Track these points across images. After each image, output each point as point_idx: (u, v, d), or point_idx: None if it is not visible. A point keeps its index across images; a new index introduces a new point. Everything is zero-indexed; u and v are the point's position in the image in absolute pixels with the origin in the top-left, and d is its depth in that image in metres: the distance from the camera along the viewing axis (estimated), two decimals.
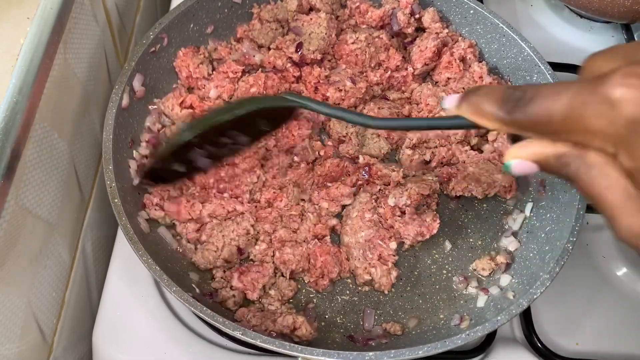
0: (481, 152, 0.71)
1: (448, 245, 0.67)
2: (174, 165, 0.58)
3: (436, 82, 0.75)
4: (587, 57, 0.42)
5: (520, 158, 0.42)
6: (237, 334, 0.50)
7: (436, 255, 0.66)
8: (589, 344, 0.66)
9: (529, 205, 0.68)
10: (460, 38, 0.75)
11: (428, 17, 0.74)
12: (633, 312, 0.68)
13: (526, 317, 0.64)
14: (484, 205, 0.70)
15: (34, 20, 0.51)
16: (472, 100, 0.42)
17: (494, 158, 0.69)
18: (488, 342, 0.62)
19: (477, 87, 0.43)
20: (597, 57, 0.40)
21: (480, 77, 0.72)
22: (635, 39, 0.88)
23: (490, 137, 0.71)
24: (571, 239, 0.58)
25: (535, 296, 0.56)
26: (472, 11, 0.74)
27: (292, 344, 0.51)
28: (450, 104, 0.44)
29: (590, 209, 0.62)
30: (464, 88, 0.72)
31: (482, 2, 0.73)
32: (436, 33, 0.74)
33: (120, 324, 0.61)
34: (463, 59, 0.73)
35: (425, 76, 0.76)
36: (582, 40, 0.90)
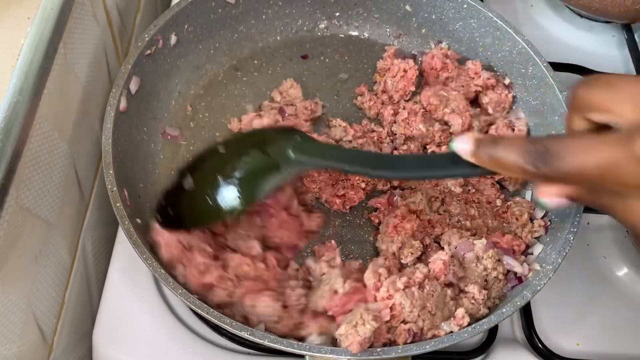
0: None
1: None
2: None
3: None
4: (578, 86, 0.42)
5: (555, 195, 0.44)
6: (245, 334, 0.50)
7: None
8: (590, 344, 0.65)
9: (528, 194, 0.68)
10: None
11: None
12: (634, 312, 0.68)
13: (527, 317, 0.64)
14: None
15: (35, 20, 0.52)
16: (491, 153, 0.43)
17: None
18: (488, 342, 0.62)
19: (491, 138, 0.44)
20: (593, 91, 0.41)
21: (477, 73, 0.72)
22: (636, 38, 0.88)
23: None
24: (572, 229, 0.58)
25: (538, 287, 0.55)
26: (465, 5, 0.73)
27: (300, 343, 0.51)
28: (463, 151, 0.45)
29: (589, 208, 0.62)
30: (463, 85, 0.72)
31: (482, 1, 0.73)
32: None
33: (120, 324, 0.60)
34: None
35: None
36: (582, 40, 0.90)
